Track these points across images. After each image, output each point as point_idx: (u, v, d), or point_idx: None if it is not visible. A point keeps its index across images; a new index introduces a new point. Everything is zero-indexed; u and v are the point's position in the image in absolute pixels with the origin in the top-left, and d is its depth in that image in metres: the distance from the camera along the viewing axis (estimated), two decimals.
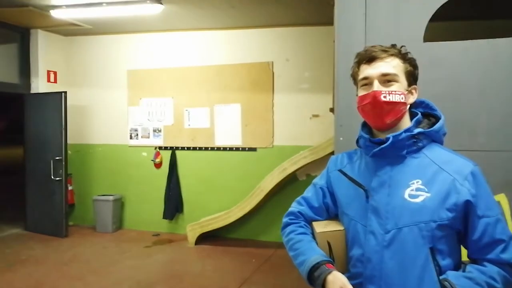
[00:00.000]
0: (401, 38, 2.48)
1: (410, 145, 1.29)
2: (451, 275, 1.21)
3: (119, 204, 6.38)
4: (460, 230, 1.25)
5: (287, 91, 5.67)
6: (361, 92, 1.33)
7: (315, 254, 1.32)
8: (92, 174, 6.62)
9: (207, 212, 5.88)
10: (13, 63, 6.25)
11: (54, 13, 5.10)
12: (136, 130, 6.36)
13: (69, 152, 6.20)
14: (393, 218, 1.25)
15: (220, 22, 5.59)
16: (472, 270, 1.22)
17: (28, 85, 6.32)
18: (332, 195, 1.45)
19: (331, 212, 1.48)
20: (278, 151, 5.68)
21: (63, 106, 5.86)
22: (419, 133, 1.30)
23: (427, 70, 2.45)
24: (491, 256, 1.23)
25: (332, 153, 2.54)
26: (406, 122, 1.33)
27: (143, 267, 4.79)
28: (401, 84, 1.30)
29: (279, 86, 5.70)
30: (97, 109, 6.57)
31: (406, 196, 1.25)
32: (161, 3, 4.66)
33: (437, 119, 1.37)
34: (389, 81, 1.28)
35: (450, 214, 1.21)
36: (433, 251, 1.23)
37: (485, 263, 1.24)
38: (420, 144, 1.30)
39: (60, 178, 5.88)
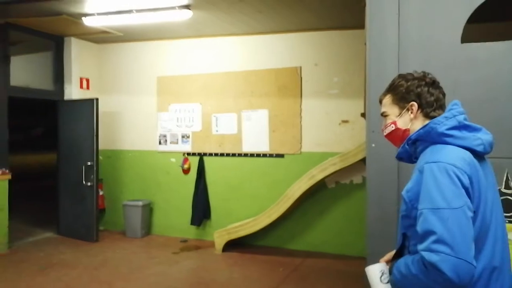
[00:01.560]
0: (436, 39, 2.35)
1: (414, 150, 1.56)
2: (403, 258, 1.46)
3: (148, 210, 6.43)
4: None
5: (316, 97, 5.56)
6: None
7: None
8: (122, 180, 6.71)
9: (234, 218, 5.84)
10: (48, 71, 6.45)
11: (86, 21, 5.22)
12: (165, 136, 6.41)
13: (100, 157, 6.31)
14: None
15: (248, 28, 5.56)
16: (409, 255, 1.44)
17: (62, 92, 6.49)
18: None
19: None
20: (306, 157, 5.57)
21: (95, 112, 5.97)
22: (414, 139, 1.54)
23: (464, 72, 2.31)
24: (420, 247, 1.35)
25: (363, 160, 2.42)
26: None
27: (171, 274, 4.78)
28: (391, 114, 1.63)
29: (307, 91, 5.61)
30: (128, 115, 6.67)
31: (404, 191, 1.50)
32: (189, 9, 4.67)
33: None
34: (385, 116, 1.66)
35: (404, 206, 1.48)
36: (406, 236, 1.51)
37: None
38: (418, 149, 1.53)
39: (92, 183, 5.99)
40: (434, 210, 1.31)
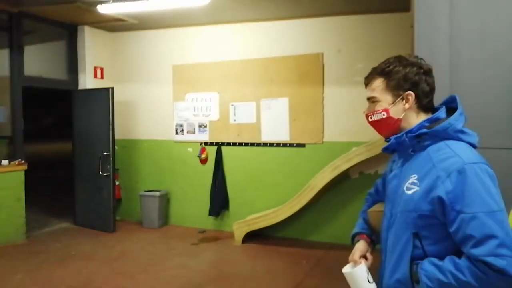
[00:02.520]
0: (491, 24, 2.17)
1: (415, 144, 1.45)
2: (426, 260, 1.36)
3: (165, 200, 6.34)
4: (445, 221, 1.34)
5: (339, 84, 5.38)
6: None
7: (357, 227, 1.77)
8: (138, 170, 6.61)
9: (253, 209, 5.72)
10: (61, 60, 6.33)
11: (101, 8, 5.05)
12: (181, 126, 6.28)
13: (116, 147, 6.21)
14: (394, 205, 1.49)
15: (268, 13, 5.37)
16: (447, 259, 1.33)
17: (76, 81, 6.38)
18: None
19: None
20: (329, 147, 5.41)
21: (110, 101, 5.86)
22: (421, 133, 1.44)
23: None
24: (464, 250, 1.31)
25: None
26: (411, 124, 1.48)
27: (191, 266, 4.69)
28: (383, 101, 1.49)
29: (329, 78, 5.42)
30: (143, 104, 6.54)
31: (404, 188, 1.44)
32: None
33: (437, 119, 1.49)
34: (373, 102, 1.51)
35: (430, 207, 1.36)
36: (418, 236, 1.40)
37: (464, 257, 1.30)
38: (425, 143, 1.44)
39: (108, 174, 5.90)
40: (490, 213, 1.27)
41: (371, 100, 1.52)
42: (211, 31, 6.03)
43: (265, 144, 5.78)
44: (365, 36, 5.23)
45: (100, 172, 5.91)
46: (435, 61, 1.97)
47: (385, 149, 1.55)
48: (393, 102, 1.48)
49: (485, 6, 2.15)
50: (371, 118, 1.52)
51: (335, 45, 5.37)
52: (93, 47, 6.40)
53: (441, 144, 1.42)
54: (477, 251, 1.26)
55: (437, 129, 1.42)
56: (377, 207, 1.74)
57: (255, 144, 5.84)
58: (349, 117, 5.31)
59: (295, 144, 5.61)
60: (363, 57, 5.24)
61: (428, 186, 1.36)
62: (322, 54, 5.42)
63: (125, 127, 6.60)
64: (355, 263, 1.59)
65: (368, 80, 1.54)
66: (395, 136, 1.49)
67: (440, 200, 1.32)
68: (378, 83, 1.50)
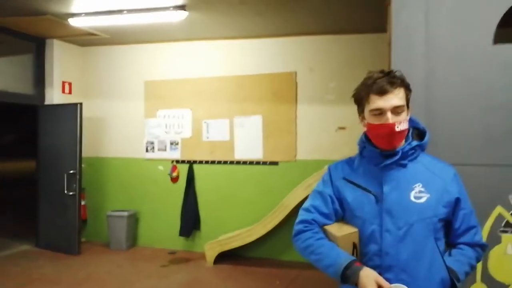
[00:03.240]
0: (467, 40, 2.23)
1: (410, 155, 1.55)
2: (451, 258, 1.55)
3: (134, 220, 6.12)
4: (449, 220, 1.56)
5: (311, 102, 5.42)
6: (374, 121, 1.53)
7: (343, 255, 1.50)
8: (106, 189, 6.38)
9: (225, 229, 5.60)
10: (27, 74, 6.09)
11: (73, 22, 4.93)
12: (152, 143, 6.14)
13: (83, 165, 5.98)
14: (404, 216, 1.50)
15: (243, 30, 5.39)
16: (456, 254, 1.57)
17: (42, 96, 6.14)
18: (339, 200, 1.63)
19: (338, 216, 1.65)
20: (301, 165, 5.41)
21: (78, 117, 5.66)
22: (416, 145, 1.56)
23: (497, 75, 2.19)
24: (466, 239, 1.58)
25: None
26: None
27: None
28: (405, 111, 1.53)
29: (302, 97, 5.46)
30: (113, 121, 6.36)
31: (412, 198, 1.51)
32: (184, 10, 4.47)
33: (422, 131, 1.63)
34: (399, 112, 1.49)
35: (445, 209, 1.53)
36: (436, 239, 1.53)
37: (462, 246, 1.58)
38: (416, 154, 1.56)
39: (74, 193, 5.65)
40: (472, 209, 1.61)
41: (399, 109, 1.49)
42: (185, 47, 5.98)
43: (238, 162, 5.72)
44: (338, 56, 5.34)
45: (66, 191, 5.65)
46: (411, 79, 1.99)
47: (386, 165, 1.54)
48: (407, 114, 1.55)
49: (460, 27, 2.21)
50: (398, 127, 1.49)
51: (308, 64, 5.45)
52: (61, 61, 6.21)
53: (424, 155, 1.60)
54: (477, 237, 1.60)
55: (426, 141, 1.58)
56: (346, 229, 1.58)
57: (228, 162, 5.77)
58: (321, 135, 5.36)
59: (268, 162, 5.58)
60: (335, 76, 5.33)
61: (439, 192, 1.52)
62: (296, 73, 5.48)
63: (93, 144, 6.38)
64: None
65: (393, 88, 1.49)
66: (401, 148, 1.53)
67: (457, 200, 1.55)
68: (402, 93, 1.51)
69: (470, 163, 2.14)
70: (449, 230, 1.59)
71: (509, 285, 2.25)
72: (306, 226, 1.64)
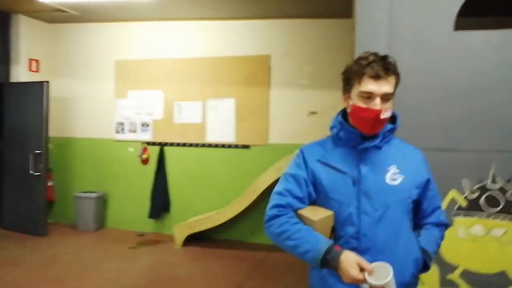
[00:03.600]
0: (429, 26, 2.24)
1: (385, 137, 1.55)
2: (421, 238, 1.60)
3: (102, 202, 6.03)
4: (418, 201, 1.59)
5: (285, 86, 5.41)
6: (360, 103, 1.48)
7: (321, 240, 1.46)
8: (74, 170, 6.25)
9: (195, 211, 5.59)
10: None
11: None
12: (122, 124, 6.02)
13: (50, 145, 5.83)
14: (381, 198, 1.50)
15: (218, 12, 5.29)
16: (425, 234, 1.61)
17: (7, 74, 5.91)
18: (313, 183, 1.58)
19: (311, 200, 1.61)
20: (273, 149, 5.41)
21: (44, 96, 5.49)
22: (391, 129, 1.57)
23: (458, 62, 2.21)
24: (433, 219, 1.64)
25: None
26: None
27: (127, 270, 4.47)
28: (392, 99, 1.51)
29: (276, 80, 5.44)
30: (82, 101, 6.19)
31: (388, 179, 1.52)
32: None
33: (393, 115, 1.60)
34: (387, 99, 1.48)
35: (417, 191, 1.57)
36: (408, 220, 1.58)
37: (428, 226, 1.63)
38: (390, 137, 1.58)
39: (40, 173, 5.51)
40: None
41: (388, 96, 1.47)
42: (157, 27, 5.84)
43: (210, 145, 5.68)
44: (311, 40, 5.31)
45: (31, 172, 5.51)
46: None
47: (366, 148, 1.53)
48: (392, 103, 1.53)
49: (422, 14, 2.21)
50: (383, 114, 1.47)
51: (282, 48, 5.41)
52: (28, 37, 5.97)
53: (394, 138, 1.63)
54: (442, 217, 1.66)
55: (398, 125, 1.59)
56: (321, 212, 1.54)
57: (200, 145, 5.73)
58: (294, 119, 5.36)
59: (240, 145, 5.56)
60: (309, 60, 5.31)
61: (412, 174, 1.55)
62: (270, 56, 5.43)
63: (61, 124, 6.21)
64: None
65: (388, 75, 1.46)
66: (382, 132, 1.53)
67: (427, 181, 1.60)
68: (393, 81, 1.49)
69: (426, 147, 2.17)
70: (417, 210, 1.62)
71: (457, 266, 2.32)
72: (280, 211, 1.56)
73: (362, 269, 1.36)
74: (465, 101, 2.16)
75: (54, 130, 6.01)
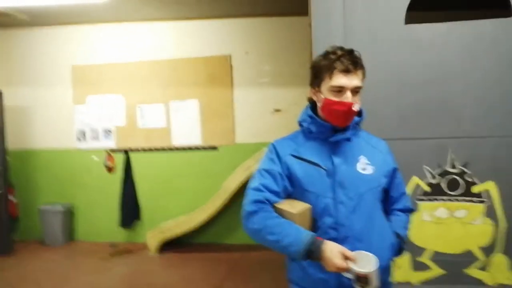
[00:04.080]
0: (381, 20, 2.32)
1: (354, 130, 1.61)
2: (395, 226, 1.69)
3: (69, 214, 5.85)
4: (386, 189, 1.67)
5: (247, 86, 5.43)
6: (332, 97, 1.52)
7: (303, 232, 1.47)
8: (37, 183, 6.02)
9: (167, 216, 5.53)
10: None
11: None
12: (83, 132, 5.85)
13: (8, 159, 5.58)
14: (354, 188, 1.55)
15: (175, 12, 5.22)
16: (395, 220, 1.70)
17: None
18: (288, 177, 1.60)
19: (287, 193, 1.62)
20: (241, 148, 5.43)
21: None
22: (358, 122, 1.62)
23: (410, 54, 2.31)
24: (400, 206, 1.73)
25: None
26: None
27: (101, 283, 4.38)
28: (360, 92, 1.56)
29: (238, 80, 5.45)
30: (39, 109, 5.95)
31: (359, 170, 1.57)
32: None
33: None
34: (357, 92, 1.53)
35: (386, 179, 1.65)
36: (380, 207, 1.65)
37: (397, 212, 1.72)
38: (358, 129, 1.64)
39: (1, 190, 5.28)
40: None
41: (357, 89, 1.53)
42: (114, 30, 5.70)
43: (176, 149, 5.63)
44: (271, 39, 5.35)
45: None
46: None
47: (344, 137, 1.58)
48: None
49: (373, 10, 2.29)
50: (354, 107, 1.51)
51: (243, 47, 5.42)
52: None
53: (362, 131, 1.70)
54: (408, 203, 1.76)
55: (363, 118, 1.65)
56: (299, 206, 1.55)
57: (166, 149, 5.66)
58: (258, 118, 5.39)
59: (207, 147, 5.54)
60: (269, 59, 5.36)
61: (380, 163, 1.62)
62: (230, 56, 5.43)
63: (19, 136, 5.96)
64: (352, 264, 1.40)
65: (357, 69, 1.52)
66: (353, 123, 1.59)
67: (394, 170, 1.69)
68: (361, 75, 1.54)
69: (386, 137, 2.26)
70: (385, 198, 1.70)
71: (425, 249, 2.43)
72: (258, 206, 1.56)
73: (345, 258, 1.39)
74: (419, 92, 2.26)
75: (12, 142, 5.77)
